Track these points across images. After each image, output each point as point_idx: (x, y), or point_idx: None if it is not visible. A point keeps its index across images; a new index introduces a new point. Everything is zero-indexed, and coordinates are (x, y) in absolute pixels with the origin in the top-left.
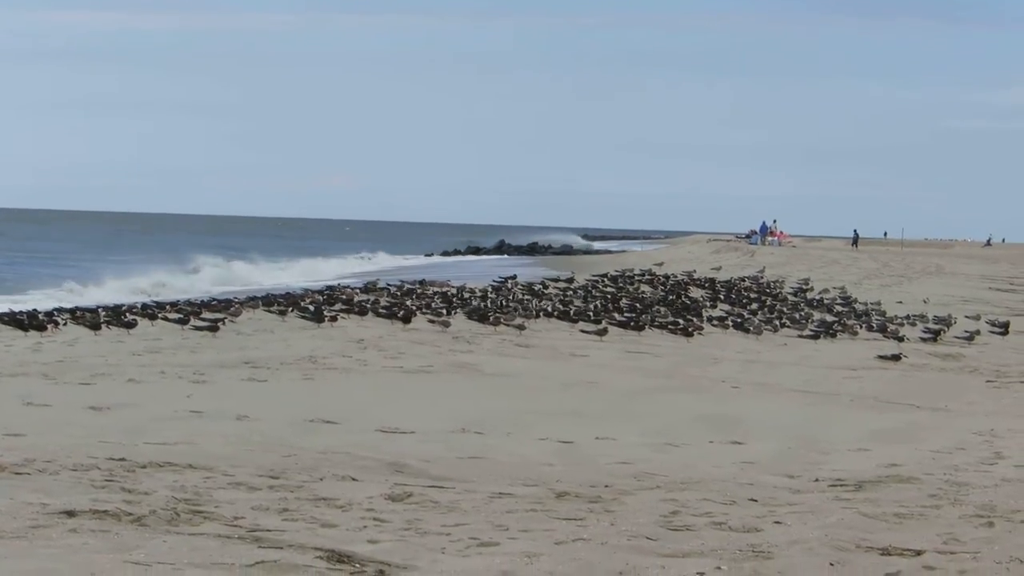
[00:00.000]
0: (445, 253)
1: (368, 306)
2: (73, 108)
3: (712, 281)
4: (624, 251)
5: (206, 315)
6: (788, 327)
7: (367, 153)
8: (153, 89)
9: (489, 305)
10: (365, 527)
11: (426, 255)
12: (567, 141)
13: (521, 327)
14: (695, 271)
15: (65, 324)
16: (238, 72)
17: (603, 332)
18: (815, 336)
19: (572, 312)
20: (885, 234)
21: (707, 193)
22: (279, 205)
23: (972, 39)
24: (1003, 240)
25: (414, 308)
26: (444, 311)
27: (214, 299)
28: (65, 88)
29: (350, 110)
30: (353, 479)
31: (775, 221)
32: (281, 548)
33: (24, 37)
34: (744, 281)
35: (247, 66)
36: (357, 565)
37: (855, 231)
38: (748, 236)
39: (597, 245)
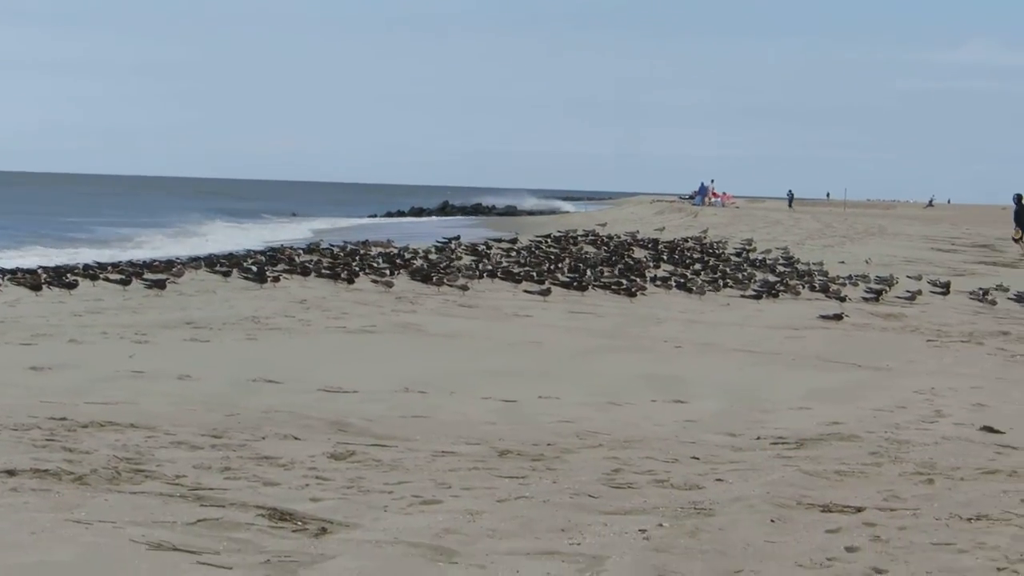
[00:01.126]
0: (388, 214)
1: (311, 267)
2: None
3: (655, 242)
4: (567, 212)
5: (148, 275)
6: (731, 287)
7: (307, 115)
8: (95, 50)
9: (431, 265)
10: (307, 485)
11: (369, 216)
12: (511, 102)
13: (464, 287)
14: (638, 232)
15: (5, 284)
16: (182, 32)
17: (547, 292)
18: (757, 296)
19: (517, 273)
20: (828, 195)
21: (650, 153)
22: (217, 166)
23: None
24: (948, 201)
25: (357, 268)
26: (387, 271)
27: (155, 260)
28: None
29: (292, 71)
30: (296, 438)
31: (712, 181)
32: (223, 506)
33: None
34: (687, 242)
35: (193, 25)
36: (299, 523)
37: (790, 191)
38: (691, 197)
39: (540, 205)
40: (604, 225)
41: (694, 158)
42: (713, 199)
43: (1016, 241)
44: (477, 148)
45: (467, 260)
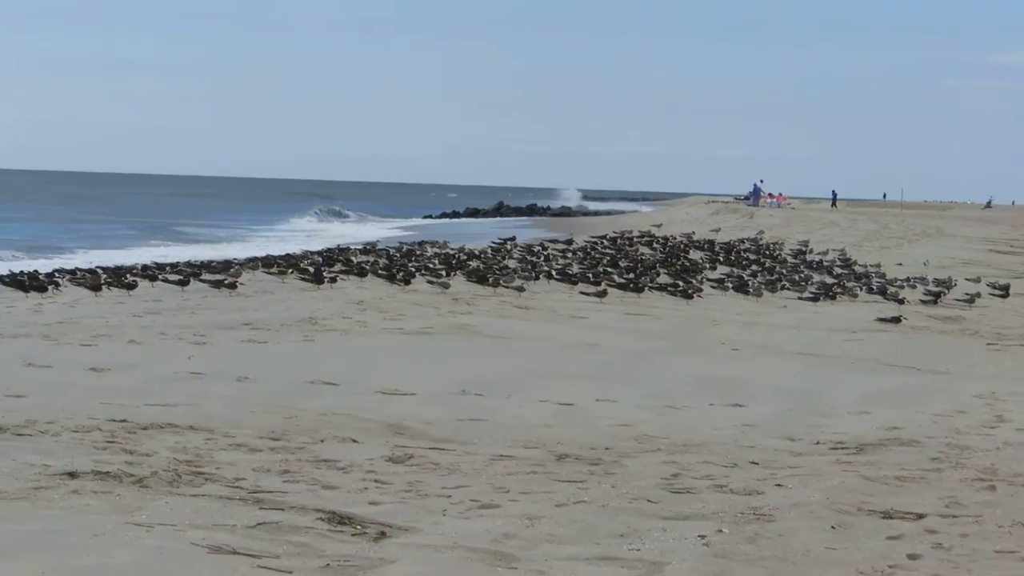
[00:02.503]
0: (444, 215)
1: (368, 267)
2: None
3: (711, 243)
4: (623, 212)
5: (206, 276)
6: (787, 289)
7: (359, 114)
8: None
9: (488, 266)
10: (366, 489)
11: (424, 217)
12: (564, 103)
13: (520, 289)
14: (694, 233)
15: (66, 285)
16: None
17: (603, 294)
18: (815, 298)
19: (573, 274)
20: (884, 195)
21: (707, 155)
22: (252, 167)
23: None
24: (1012, 203)
25: (413, 269)
26: (443, 272)
27: (212, 261)
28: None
29: (338, 69)
30: (354, 441)
31: (761, 181)
32: (283, 510)
33: None
34: (743, 243)
35: (215, 24)
36: (359, 526)
37: (833, 192)
38: (747, 198)
39: (595, 206)
40: (659, 226)
41: (748, 158)
42: (769, 200)
43: None
44: (532, 148)
45: (519, 261)
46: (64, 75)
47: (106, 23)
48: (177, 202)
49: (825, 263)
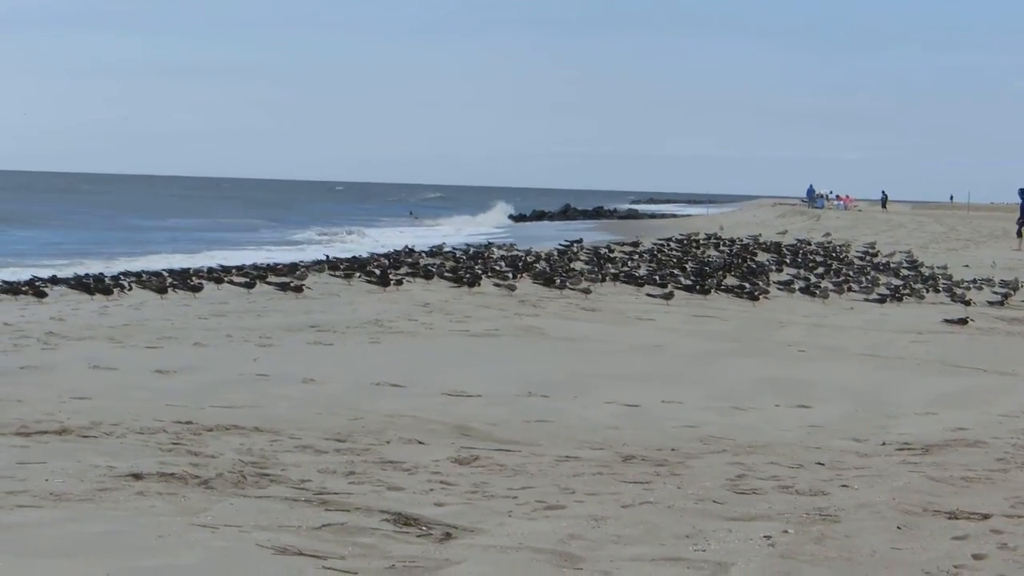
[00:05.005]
0: (511, 218)
1: (434, 270)
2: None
3: (778, 245)
4: (689, 215)
5: (272, 279)
6: (854, 291)
7: (425, 119)
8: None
9: (555, 268)
10: (432, 490)
11: (493, 223)
12: (628, 105)
13: (587, 291)
14: (760, 235)
15: (131, 288)
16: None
17: (669, 296)
18: (881, 300)
19: (639, 276)
20: (951, 198)
21: (769, 156)
22: (323, 169)
23: None
24: None
25: (480, 272)
26: (510, 275)
27: (278, 263)
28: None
29: (394, 75)
30: (419, 442)
31: (811, 186)
32: (348, 511)
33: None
34: (810, 245)
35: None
36: (424, 528)
37: (883, 192)
38: (813, 200)
39: (660, 209)
40: (722, 228)
41: (808, 161)
42: (836, 202)
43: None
44: (594, 151)
45: (586, 263)
46: (132, 78)
47: (171, 28)
48: (236, 206)
49: (892, 265)
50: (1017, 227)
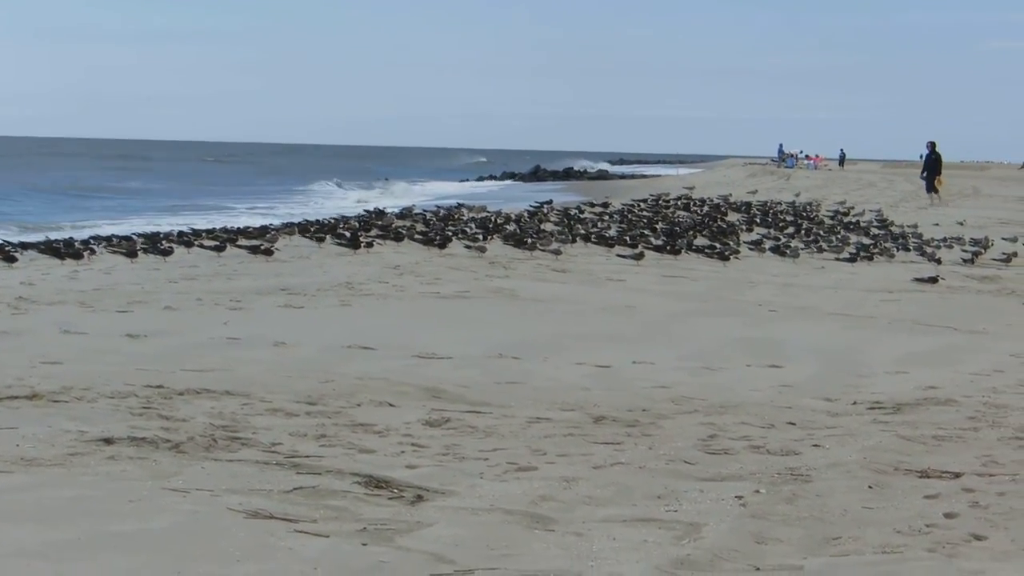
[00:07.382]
0: (480, 179)
1: (404, 232)
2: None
3: (748, 205)
4: (659, 176)
5: (242, 242)
6: (825, 250)
7: (391, 80)
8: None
9: (524, 229)
10: (403, 452)
11: (460, 181)
12: (600, 67)
13: (557, 252)
14: (731, 195)
15: (101, 252)
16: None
17: (640, 256)
18: (852, 259)
19: (609, 237)
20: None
21: (739, 117)
22: (293, 132)
23: None
24: None
25: (450, 233)
26: (480, 236)
27: (248, 226)
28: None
29: (370, 38)
30: (390, 405)
31: (781, 145)
32: (319, 474)
33: None
34: (780, 204)
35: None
36: (395, 490)
37: (841, 151)
38: (784, 159)
39: (630, 170)
40: (692, 188)
41: (779, 121)
42: (807, 162)
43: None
44: (564, 113)
45: (556, 224)
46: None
47: None
48: (215, 169)
49: (862, 224)
50: (924, 182)
